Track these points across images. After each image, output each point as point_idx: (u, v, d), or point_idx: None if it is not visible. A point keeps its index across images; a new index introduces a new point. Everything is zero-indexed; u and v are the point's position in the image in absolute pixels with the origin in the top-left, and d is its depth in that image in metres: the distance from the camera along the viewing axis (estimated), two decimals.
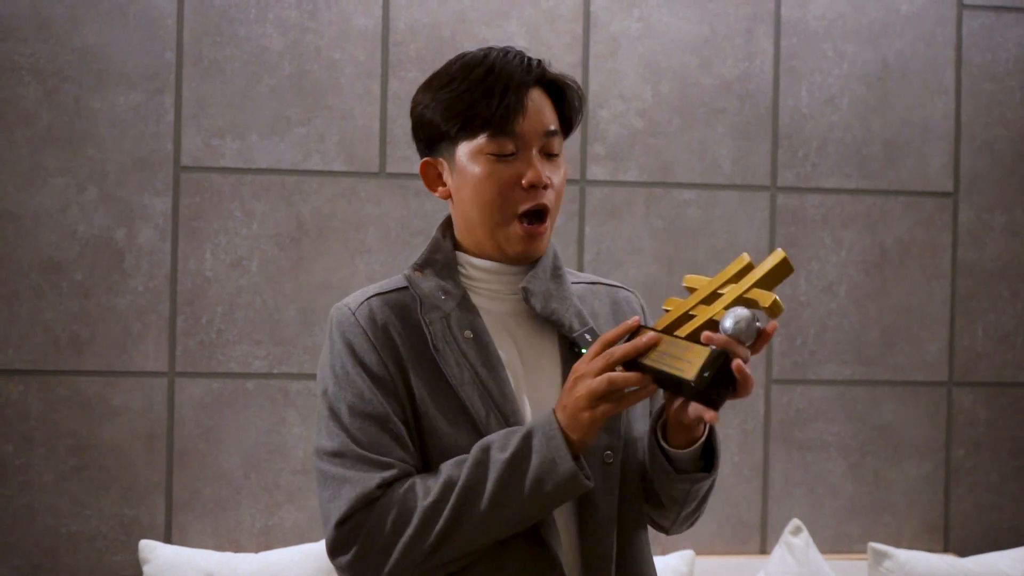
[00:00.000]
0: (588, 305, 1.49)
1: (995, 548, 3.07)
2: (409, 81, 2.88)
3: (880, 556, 2.84)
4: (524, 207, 1.40)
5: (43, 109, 2.86)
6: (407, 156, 2.92)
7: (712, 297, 1.31)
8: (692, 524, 1.54)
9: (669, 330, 1.30)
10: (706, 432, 1.41)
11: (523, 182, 1.39)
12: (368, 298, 1.42)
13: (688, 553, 2.85)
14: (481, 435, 1.35)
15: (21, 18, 2.84)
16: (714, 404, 1.23)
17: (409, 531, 1.30)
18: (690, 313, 1.32)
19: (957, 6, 3.12)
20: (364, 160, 2.95)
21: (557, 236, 2.99)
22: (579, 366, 1.31)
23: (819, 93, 3.08)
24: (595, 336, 1.42)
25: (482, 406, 1.36)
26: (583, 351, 1.41)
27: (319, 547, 2.75)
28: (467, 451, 1.35)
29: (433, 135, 1.43)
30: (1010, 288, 3.14)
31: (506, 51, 1.42)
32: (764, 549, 3.05)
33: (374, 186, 2.95)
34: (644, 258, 3.03)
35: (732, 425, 3.05)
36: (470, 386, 1.37)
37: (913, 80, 3.12)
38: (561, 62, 3.00)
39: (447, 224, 1.49)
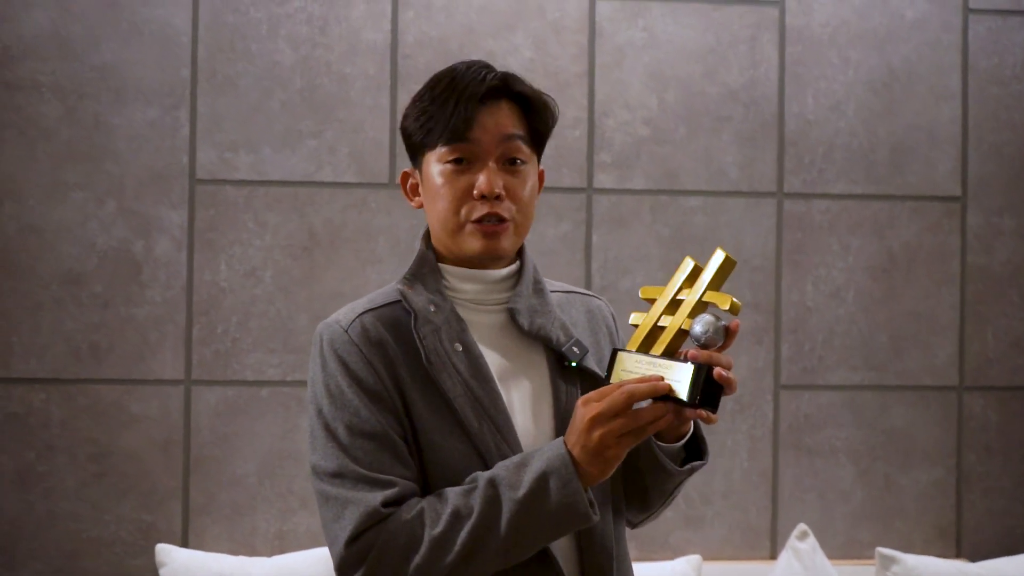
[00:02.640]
0: (567, 314, 1.52)
1: (1008, 553, 3.06)
2: None
3: (888, 561, 2.84)
4: (476, 215, 1.43)
5: (64, 126, 2.95)
6: None
7: (673, 305, 1.37)
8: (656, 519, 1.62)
9: (645, 345, 1.37)
10: (692, 426, 1.47)
11: (474, 192, 1.43)
12: (360, 315, 1.44)
13: (695, 558, 2.87)
14: (475, 446, 1.39)
15: (42, 38, 2.94)
16: (712, 408, 1.32)
17: (417, 559, 1.32)
18: (659, 325, 1.38)
19: (963, 10, 3.13)
20: (374, 171, 3.01)
21: (564, 244, 3.03)
22: (593, 406, 1.31)
23: (825, 99, 3.10)
24: (582, 348, 1.46)
25: (475, 418, 1.39)
26: (573, 364, 1.46)
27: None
28: (462, 463, 1.38)
29: (409, 146, 1.49)
30: (1020, 292, 3.13)
31: (471, 64, 1.45)
32: (774, 555, 3.05)
33: (384, 197, 3.00)
34: (651, 265, 3.05)
35: (741, 431, 3.07)
36: (463, 399, 1.39)
37: (919, 85, 3.12)
38: (567, 72, 3.04)
39: (428, 235, 1.53)
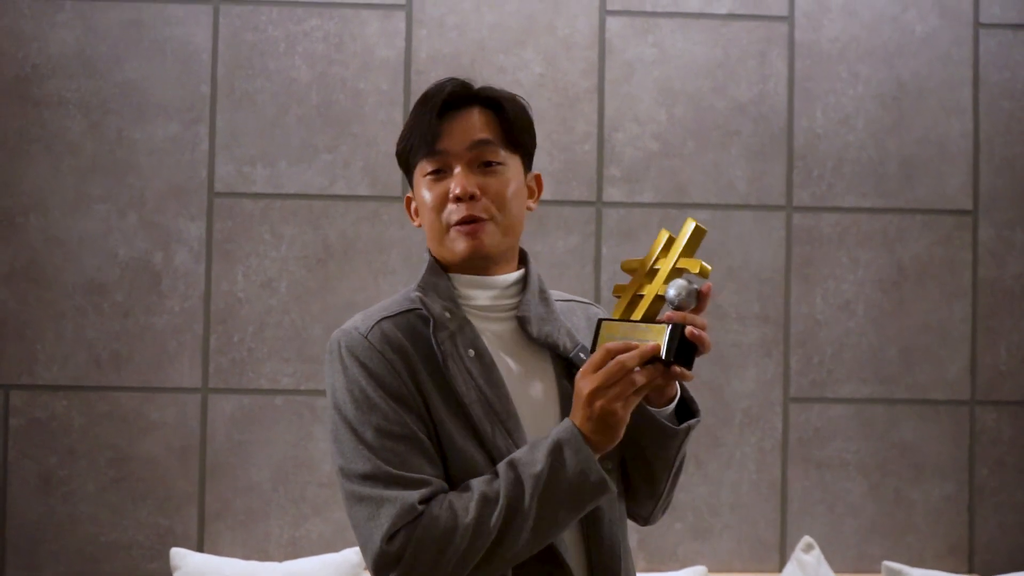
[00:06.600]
0: (569, 322, 1.57)
1: (1021, 569, 3.03)
2: None
3: (894, 575, 2.83)
4: (455, 218, 1.49)
5: (88, 140, 3.04)
6: None
7: (651, 274, 1.45)
8: (666, 510, 1.61)
9: (627, 313, 1.46)
10: (678, 389, 1.51)
11: (449, 195, 1.48)
12: (378, 321, 1.48)
13: (701, 569, 2.88)
14: (487, 449, 1.43)
15: (68, 56, 3.04)
16: (688, 365, 1.40)
17: (452, 549, 1.36)
18: (639, 293, 1.46)
19: (973, 25, 3.13)
20: (387, 185, 3.07)
21: (574, 256, 3.07)
22: (590, 378, 1.36)
23: (834, 114, 3.12)
24: (588, 354, 1.50)
25: (488, 422, 1.44)
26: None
27: (340, 557, 2.85)
28: (478, 464, 1.42)
29: (405, 171, 1.56)
30: None
31: (439, 81, 1.53)
32: (782, 568, 3.05)
33: (397, 210, 3.06)
34: None
35: (750, 443, 3.08)
36: (477, 404, 1.44)
37: (929, 99, 3.13)
38: (577, 87, 3.09)
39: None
